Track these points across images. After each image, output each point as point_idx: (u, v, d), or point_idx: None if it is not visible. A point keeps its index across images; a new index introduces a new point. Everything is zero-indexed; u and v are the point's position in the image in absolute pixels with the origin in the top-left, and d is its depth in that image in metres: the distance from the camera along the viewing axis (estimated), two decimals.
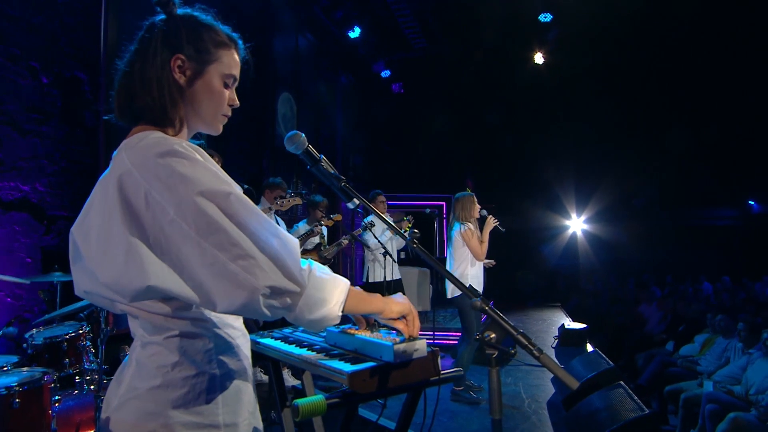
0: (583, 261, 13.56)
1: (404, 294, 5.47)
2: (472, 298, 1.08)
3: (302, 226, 4.71)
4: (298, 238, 4.35)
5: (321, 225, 4.41)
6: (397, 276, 5.34)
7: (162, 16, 1.01)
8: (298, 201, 3.85)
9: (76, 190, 3.80)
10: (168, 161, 0.87)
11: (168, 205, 0.85)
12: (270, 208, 4.30)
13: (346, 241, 4.63)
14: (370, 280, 5.18)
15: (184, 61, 0.99)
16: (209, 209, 0.85)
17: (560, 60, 9.51)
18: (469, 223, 4.16)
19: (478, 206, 4.25)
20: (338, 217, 4.55)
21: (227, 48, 1.04)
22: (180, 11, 1.02)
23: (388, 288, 5.04)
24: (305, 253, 4.55)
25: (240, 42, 1.09)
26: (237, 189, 0.90)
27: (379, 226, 4.91)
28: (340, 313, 0.97)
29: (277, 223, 4.37)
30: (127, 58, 1.01)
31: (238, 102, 1.08)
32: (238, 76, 1.08)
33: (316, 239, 4.68)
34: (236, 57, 1.07)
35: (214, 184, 0.88)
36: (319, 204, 4.69)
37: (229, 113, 1.08)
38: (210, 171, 0.89)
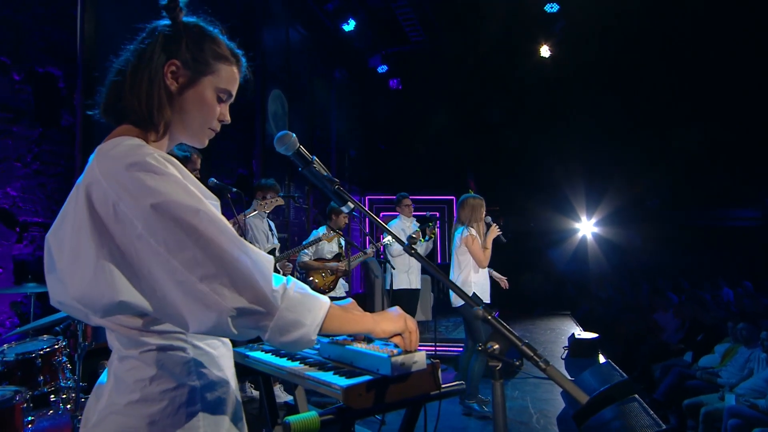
0: (594, 266, 13.55)
1: (416, 305, 5.56)
2: (473, 307, 1.08)
3: (322, 233, 4.70)
4: (306, 244, 4.39)
5: (333, 234, 4.47)
6: (413, 286, 5.42)
7: (166, 21, 1.05)
8: (280, 202, 3.91)
9: (51, 194, 3.78)
10: (137, 174, 0.89)
11: (136, 220, 0.87)
12: (261, 215, 4.31)
13: (371, 251, 4.68)
14: (394, 287, 5.29)
15: (179, 68, 1.03)
16: (177, 226, 0.87)
17: (567, 53, 9.55)
18: (472, 228, 4.19)
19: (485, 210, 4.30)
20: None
21: (227, 62, 1.09)
22: (186, 19, 1.06)
23: (387, 296, 5.07)
24: (323, 261, 4.64)
25: (243, 60, 1.13)
26: (207, 205, 0.92)
27: (400, 233, 4.99)
28: (315, 337, 0.97)
29: (270, 228, 4.38)
30: (123, 56, 1.05)
31: (229, 118, 1.12)
32: (234, 93, 1.12)
33: (335, 248, 4.71)
34: (236, 73, 1.11)
35: (183, 199, 0.89)
36: (342, 210, 4.69)
37: (218, 128, 1.12)
38: (180, 185, 0.91)
